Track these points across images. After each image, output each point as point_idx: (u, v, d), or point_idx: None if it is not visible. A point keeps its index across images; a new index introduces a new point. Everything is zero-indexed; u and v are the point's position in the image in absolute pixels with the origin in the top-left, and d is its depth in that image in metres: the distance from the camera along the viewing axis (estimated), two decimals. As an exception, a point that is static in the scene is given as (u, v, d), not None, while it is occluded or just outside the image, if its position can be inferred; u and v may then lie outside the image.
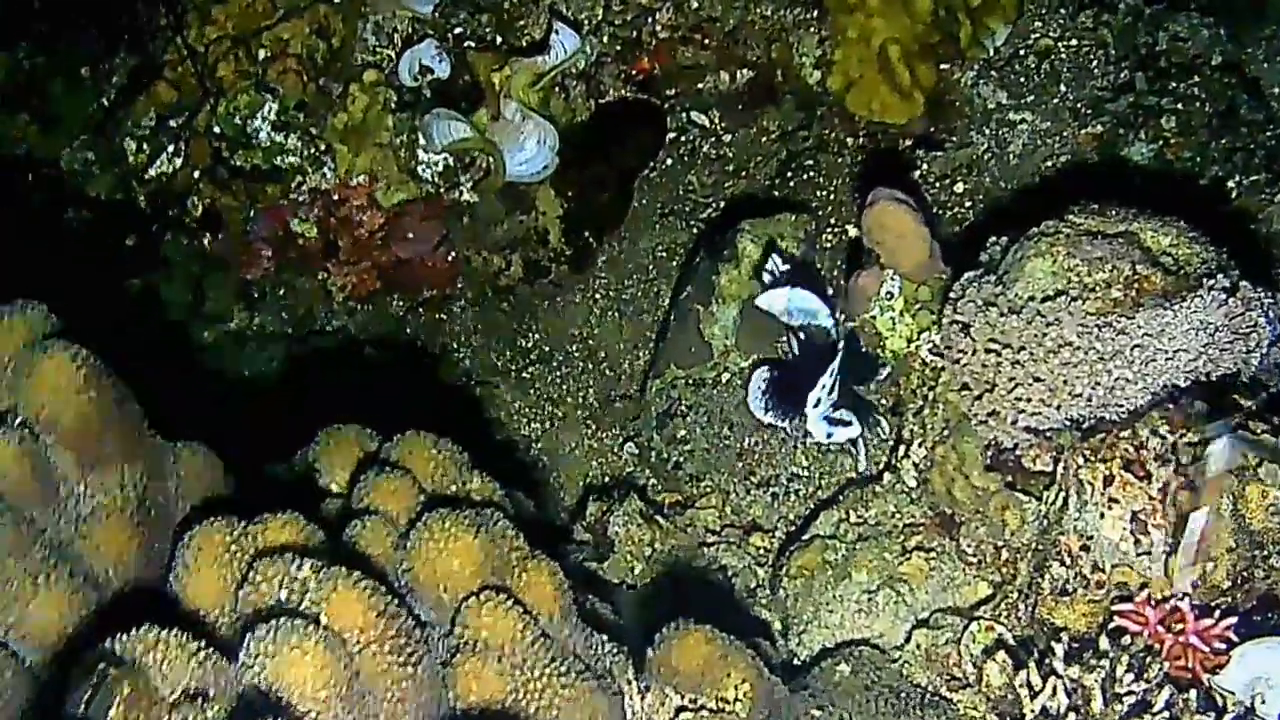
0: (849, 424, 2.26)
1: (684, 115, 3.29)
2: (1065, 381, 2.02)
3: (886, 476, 2.37)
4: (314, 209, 3.08)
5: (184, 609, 1.60)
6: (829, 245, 2.87)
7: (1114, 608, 1.87)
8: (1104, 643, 1.84)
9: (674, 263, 3.16)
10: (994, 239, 2.26)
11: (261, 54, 3.07)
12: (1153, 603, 1.83)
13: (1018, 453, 2.13)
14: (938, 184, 2.96)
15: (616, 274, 3.22)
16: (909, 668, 2.13)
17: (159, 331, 3.17)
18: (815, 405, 2.21)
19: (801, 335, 2.31)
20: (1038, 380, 2.05)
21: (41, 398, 1.66)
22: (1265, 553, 1.80)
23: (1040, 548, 2.04)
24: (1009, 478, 2.14)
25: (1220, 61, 2.98)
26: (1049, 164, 2.92)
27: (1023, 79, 3.06)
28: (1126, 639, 1.83)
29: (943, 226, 2.81)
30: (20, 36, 3.24)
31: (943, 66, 3.08)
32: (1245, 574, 1.81)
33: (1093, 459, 1.93)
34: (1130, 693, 1.77)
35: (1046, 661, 1.86)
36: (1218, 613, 1.79)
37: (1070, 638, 1.92)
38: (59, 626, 1.60)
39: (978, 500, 2.16)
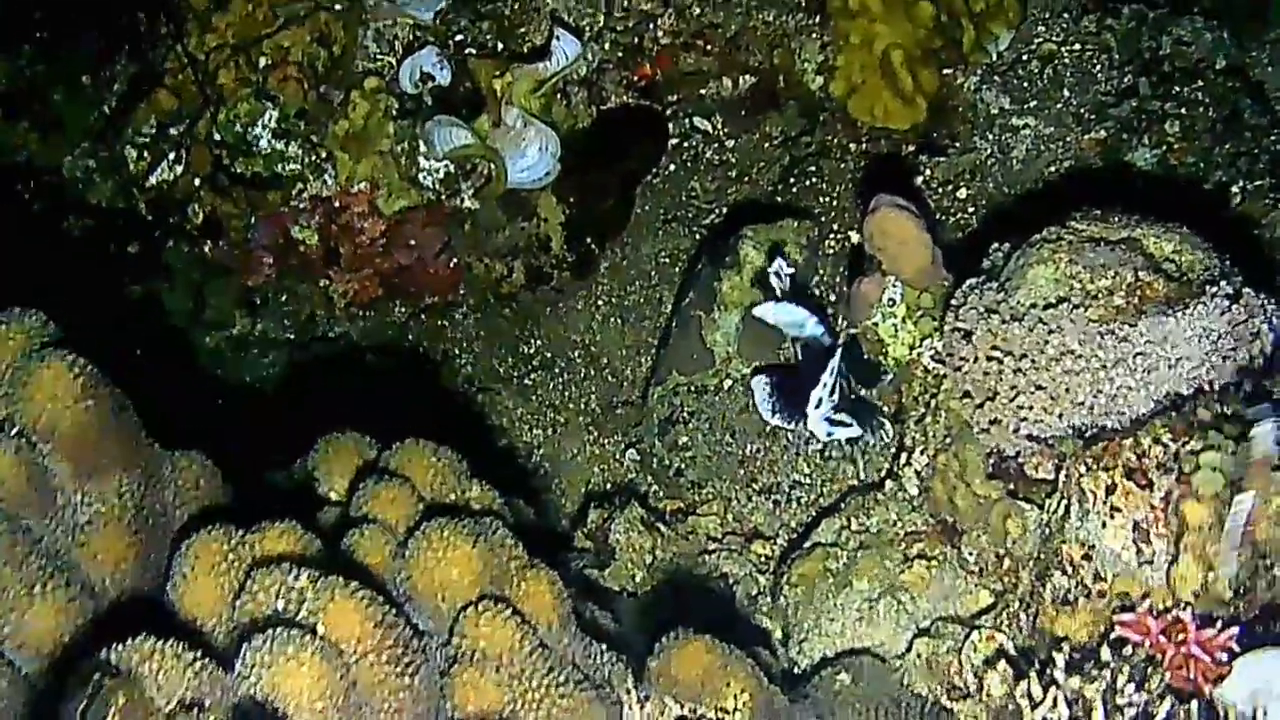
0: (850, 424, 2.25)
1: (686, 121, 3.29)
2: (1067, 389, 2.01)
3: (888, 484, 2.37)
4: (315, 216, 3.08)
5: (181, 618, 1.60)
6: (831, 251, 2.86)
7: (1116, 618, 1.85)
8: (1105, 653, 1.82)
9: (676, 269, 3.15)
10: (996, 245, 2.25)
11: (262, 61, 3.08)
12: (1154, 613, 1.82)
13: (1020, 461, 2.11)
14: (940, 190, 2.95)
15: (618, 280, 3.21)
16: (910, 677, 2.12)
17: (160, 338, 3.17)
18: (816, 405, 2.20)
19: (801, 342, 2.30)
20: (1040, 388, 2.04)
21: (39, 406, 1.66)
22: (1268, 562, 1.79)
23: (1042, 556, 2.03)
24: (1011, 486, 2.13)
25: (1224, 66, 2.97)
26: (1052, 169, 2.92)
27: (1026, 84, 3.05)
28: (1128, 649, 1.81)
29: (945, 232, 2.80)
30: (21, 43, 3.24)
31: (945, 72, 3.08)
32: (1247, 584, 1.79)
33: (1095, 467, 1.92)
34: (1131, 704, 1.76)
35: (1047, 672, 1.85)
36: (1220, 623, 1.78)
37: (1071, 648, 1.90)
38: (55, 636, 1.60)
39: (979, 508, 2.15)
